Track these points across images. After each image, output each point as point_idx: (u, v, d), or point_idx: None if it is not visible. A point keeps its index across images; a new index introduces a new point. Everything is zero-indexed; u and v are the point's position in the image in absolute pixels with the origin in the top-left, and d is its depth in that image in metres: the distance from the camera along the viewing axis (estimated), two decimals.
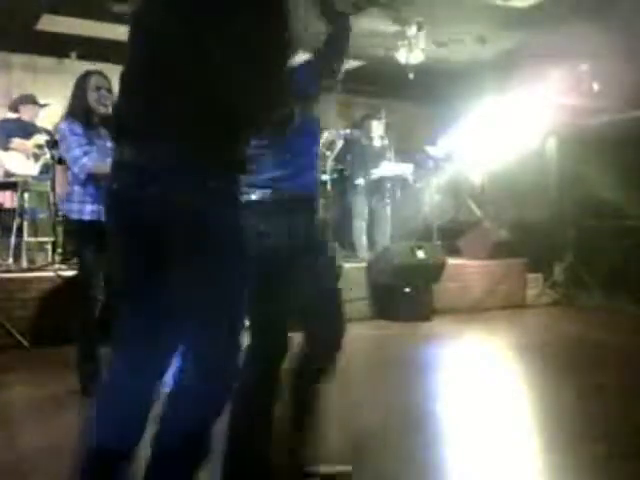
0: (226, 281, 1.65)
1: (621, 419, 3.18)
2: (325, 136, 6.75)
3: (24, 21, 6.52)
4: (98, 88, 3.52)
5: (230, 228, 1.64)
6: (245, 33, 1.54)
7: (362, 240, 7.03)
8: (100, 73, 3.59)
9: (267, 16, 1.56)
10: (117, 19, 5.41)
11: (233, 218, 1.66)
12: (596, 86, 7.61)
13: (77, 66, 6.37)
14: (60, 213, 5.17)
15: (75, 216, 3.52)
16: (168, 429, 1.64)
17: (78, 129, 3.49)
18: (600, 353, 4.82)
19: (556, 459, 2.69)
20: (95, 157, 3.46)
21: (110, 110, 3.43)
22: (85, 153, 3.46)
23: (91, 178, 3.48)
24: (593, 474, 2.56)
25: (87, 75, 3.58)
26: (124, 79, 1.72)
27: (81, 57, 7.26)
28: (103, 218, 3.14)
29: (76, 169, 3.48)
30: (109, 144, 3.38)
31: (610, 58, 6.96)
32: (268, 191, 2.11)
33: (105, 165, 3.29)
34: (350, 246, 7.08)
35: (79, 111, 3.52)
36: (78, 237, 3.64)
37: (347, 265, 6.17)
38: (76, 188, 3.53)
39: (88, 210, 3.50)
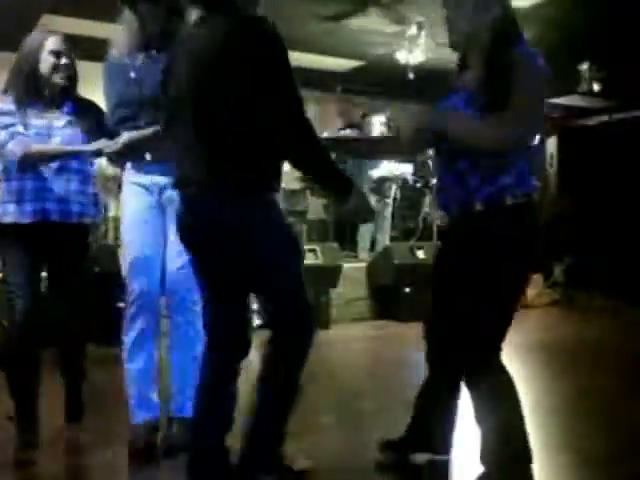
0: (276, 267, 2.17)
1: (621, 419, 3.18)
2: (324, 136, 6.74)
3: (24, 21, 6.52)
4: (56, 53, 2.80)
5: (254, 234, 2.12)
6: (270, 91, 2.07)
7: (366, 240, 7.03)
8: (60, 35, 2.88)
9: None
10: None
11: (259, 229, 2.12)
12: (596, 86, 7.61)
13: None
14: None
15: None
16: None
17: (8, 106, 2.75)
18: (600, 353, 4.82)
19: (555, 459, 2.69)
20: (23, 140, 2.71)
21: (67, 82, 2.84)
22: (12, 135, 2.70)
23: (26, 167, 2.74)
24: (592, 474, 2.56)
25: (42, 36, 2.83)
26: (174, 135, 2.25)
27: (81, 57, 7.26)
28: (28, 219, 2.74)
29: (3, 161, 2.75)
30: (59, 122, 2.84)
31: (610, 58, 6.96)
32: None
33: (43, 146, 2.75)
34: (350, 246, 7.08)
35: (21, 81, 2.77)
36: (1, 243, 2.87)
37: (347, 265, 6.18)
38: None
39: (10, 211, 2.77)
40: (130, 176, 2.80)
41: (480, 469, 2.37)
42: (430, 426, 2.54)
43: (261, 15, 2.16)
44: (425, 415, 2.54)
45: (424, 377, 2.52)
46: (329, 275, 5.87)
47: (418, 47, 7.04)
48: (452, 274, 2.36)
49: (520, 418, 2.28)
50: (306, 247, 5.92)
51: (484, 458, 2.36)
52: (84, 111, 2.91)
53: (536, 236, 2.29)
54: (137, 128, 2.67)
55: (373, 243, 7.10)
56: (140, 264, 2.73)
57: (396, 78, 7.40)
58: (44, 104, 2.81)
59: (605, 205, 7.89)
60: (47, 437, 2.78)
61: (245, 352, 2.34)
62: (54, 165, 2.79)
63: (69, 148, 2.80)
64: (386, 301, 6.29)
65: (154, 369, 2.79)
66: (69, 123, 2.85)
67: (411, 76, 7.26)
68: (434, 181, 7.59)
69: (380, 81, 8.34)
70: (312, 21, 6.69)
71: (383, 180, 7.09)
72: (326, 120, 7.13)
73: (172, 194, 2.77)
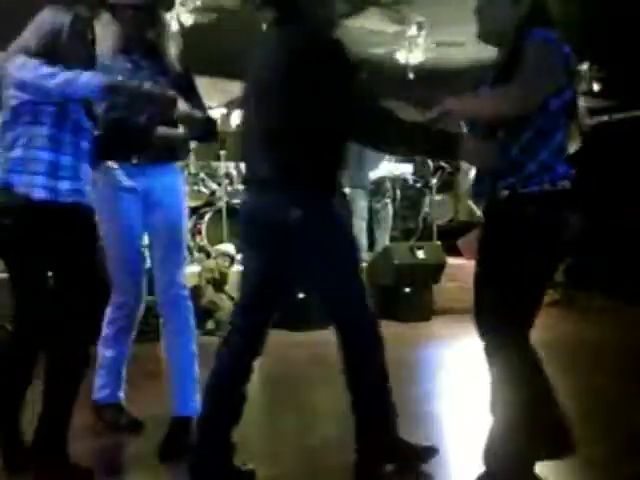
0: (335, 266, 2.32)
1: (621, 420, 3.18)
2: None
3: (24, 21, 6.52)
4: (79, 33, 2.54)
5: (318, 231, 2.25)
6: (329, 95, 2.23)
7: (362, 240, 7.03)
8: (87, 14, 2.60)
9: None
10: None
11: (320, 227, 2.25)
12: (596, 86, 7.60)
13: None
14: None
15: (19, 190, 2.31)
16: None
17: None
18: (600, 353, 4.81)
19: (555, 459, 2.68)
20: (93, 72, 2.41)
21: (94, 54, 2.58)
22: (75, 74, 2.34)
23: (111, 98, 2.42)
24: (592, 475, 2.56)
25: (74, 16, 2.54)
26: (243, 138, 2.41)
27: None
28: (65, 198, 2.33)
29: (71, 90, 2.31)
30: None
31: (610, 58, 6.95)
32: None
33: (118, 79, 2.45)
34: None
35: (43, 52, 2.51)
36: (17, 227, 2.34)
37: None
38: (19, 152, 2.34)
39: (40, 183, 2.31)
40: (113, 178, 2.78)
41: (481, 468, 2.38)
42: None
43: (326, 23, 2.31)
44: None
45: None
46: None
47: (418, 47, 7.05)
48: (481, 260, 2.39)
49: (530, 401, 2.27)
50: None
51: (486, 458, 2.36)
52: None
53: (562, 224, 2.29)
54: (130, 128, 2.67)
55: (372, 243, 7.10)
56: (123, 267, 2.81)
57: (396, 78, 7.41)
58: None
59: (605, 205, 7.88)
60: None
61: (259, 352, 2.36)
62: (84, 146, 2.46)
63: (147, 85, 2.43)
64: (386, 301, 6.29)
65: (124, 360, 2.97)
66: None
67: (411, 76, 7.27)
68: (434, 181, 7.61)
69: (380, 81, 8.34)
70: None
71: (383, 180, 7.09)
72: None
73: (157, 196, 2.79)
